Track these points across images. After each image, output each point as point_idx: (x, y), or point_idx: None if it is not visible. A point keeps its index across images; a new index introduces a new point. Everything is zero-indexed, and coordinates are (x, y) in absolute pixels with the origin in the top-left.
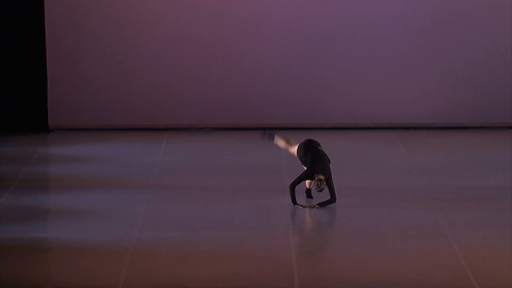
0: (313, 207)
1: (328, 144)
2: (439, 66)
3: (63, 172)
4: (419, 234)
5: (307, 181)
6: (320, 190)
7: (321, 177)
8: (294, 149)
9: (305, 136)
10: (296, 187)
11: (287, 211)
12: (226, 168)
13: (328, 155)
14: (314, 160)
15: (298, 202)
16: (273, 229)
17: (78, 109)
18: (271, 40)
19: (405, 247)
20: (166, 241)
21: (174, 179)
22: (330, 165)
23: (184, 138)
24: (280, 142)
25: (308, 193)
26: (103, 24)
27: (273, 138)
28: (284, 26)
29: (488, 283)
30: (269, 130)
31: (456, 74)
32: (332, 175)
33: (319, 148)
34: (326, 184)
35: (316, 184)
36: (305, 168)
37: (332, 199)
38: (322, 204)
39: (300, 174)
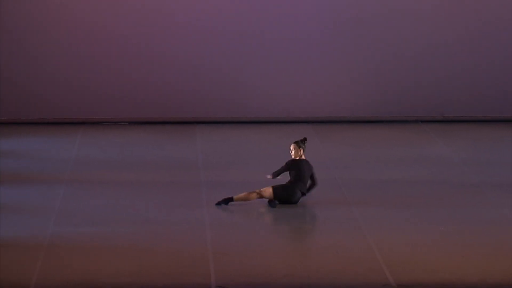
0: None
1: (245, 137)
2: (354, 63)
3: None
4: (334, 227)
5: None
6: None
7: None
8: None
9: (224, 129)
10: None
11: (203, 206)
12: (142, 162)
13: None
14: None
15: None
16: (189, 224)
17: None
18: (189, 36)
19: (320, 240)
20: (80, 236)
21: (89, 174)
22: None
23: (99, 132)
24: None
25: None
26: (18, 17)
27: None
28: (202, 23)
29: (402, 276)
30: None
31: (370, 71)
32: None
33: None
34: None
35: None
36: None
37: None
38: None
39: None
